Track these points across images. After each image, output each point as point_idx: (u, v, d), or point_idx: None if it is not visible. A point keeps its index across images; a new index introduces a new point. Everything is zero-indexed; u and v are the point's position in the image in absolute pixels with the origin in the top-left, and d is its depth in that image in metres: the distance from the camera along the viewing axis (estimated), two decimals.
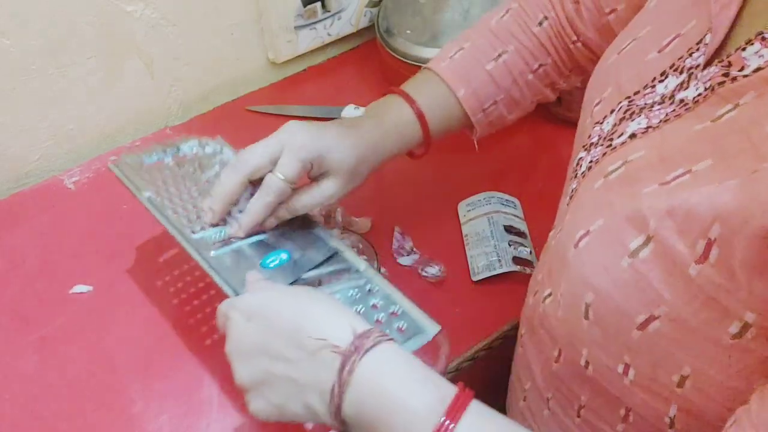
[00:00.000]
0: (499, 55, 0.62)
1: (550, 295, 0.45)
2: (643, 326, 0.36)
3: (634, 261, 0.35)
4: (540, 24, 0.62)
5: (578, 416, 0.45)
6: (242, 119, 0.89)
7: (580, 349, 0.41)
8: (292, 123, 0.53)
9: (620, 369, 0.38)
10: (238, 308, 0.44)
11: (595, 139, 0.45)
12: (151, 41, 0.83)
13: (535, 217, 0.75)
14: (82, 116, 0.83)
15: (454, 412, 0.36)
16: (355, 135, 0.55)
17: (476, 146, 0.66)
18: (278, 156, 0.52)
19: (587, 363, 0.41)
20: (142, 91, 0.86)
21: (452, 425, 0.35)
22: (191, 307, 0.66)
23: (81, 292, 0.68)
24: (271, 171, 0.52)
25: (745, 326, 0.32)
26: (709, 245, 0.32)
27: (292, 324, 0.41)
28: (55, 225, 0.75)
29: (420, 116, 0.60)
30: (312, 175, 0.54)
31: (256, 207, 0.52)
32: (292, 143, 0.52)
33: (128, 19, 0.79)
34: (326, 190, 0.54)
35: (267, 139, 0.53)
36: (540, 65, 0.63)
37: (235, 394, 0.60)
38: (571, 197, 0.45)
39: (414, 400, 0.37)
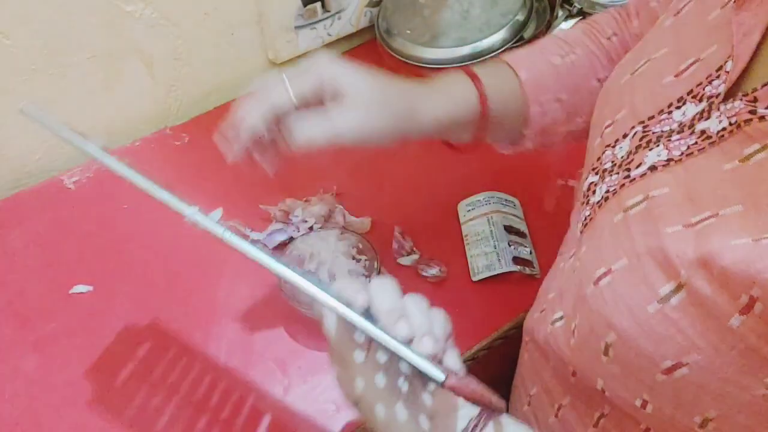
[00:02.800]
0: (567, 54, 0.58)
1: (561, 318, 0.44)
2: (668, 371, 0.35)
3: (663, 307, 0.34)
4: (609, 38, 0.60)
5: (595, 426, 0.44)
6: None
7: (595, 377, 0.40)
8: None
9: (638, 403, 0.38)
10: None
11: (608, 165, 0.44)
12: (151, 41, 0.83)
13: (535, 217, 0.75)
14: (82, 116, 0.83)
15: None
16: (386, 75, 0.49)
17: (530, 143, 0.58)
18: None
19: (603, 390, 0.40)
20: (142, 91, 0.86)
21: None
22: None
23: (81, 292, 0.68)
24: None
25: None
26: (753, 300, 0.31)
27: None
28: (55, 225, 0.75)
29: (475, 78, 0.53)
30: (326, 100, 0.47)
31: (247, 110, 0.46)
32: (316, 64, 0.47)
33: (128, 19, 0.79)
34: (335, 119, 0.46)
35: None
36: (607, 76, 0.58)
37: (235, 393, 0.60)
38: (585, 225, 0.44)
39: None
